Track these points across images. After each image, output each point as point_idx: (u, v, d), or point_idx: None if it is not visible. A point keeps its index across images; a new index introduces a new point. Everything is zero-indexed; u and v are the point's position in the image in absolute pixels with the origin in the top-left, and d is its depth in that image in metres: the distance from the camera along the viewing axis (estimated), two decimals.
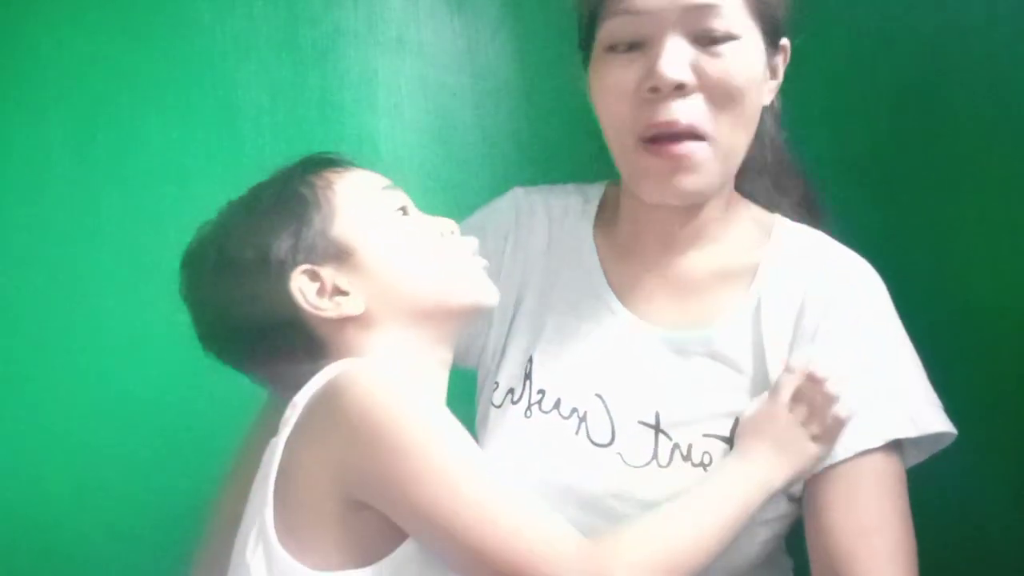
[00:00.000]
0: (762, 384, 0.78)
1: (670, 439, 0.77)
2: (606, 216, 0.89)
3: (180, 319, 1.07)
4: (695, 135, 0.74)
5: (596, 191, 0.91)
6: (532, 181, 1.13)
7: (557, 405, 0.80)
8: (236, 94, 1.09)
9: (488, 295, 0.77)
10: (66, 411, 1.02)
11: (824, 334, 0.77)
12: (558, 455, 0.78)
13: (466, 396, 0.89)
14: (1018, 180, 0.83)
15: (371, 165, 0.78)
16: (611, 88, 0.76)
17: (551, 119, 1.15)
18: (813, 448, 0.73)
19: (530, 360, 0.84)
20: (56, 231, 1.02)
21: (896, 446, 0.75)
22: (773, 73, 0.80)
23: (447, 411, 0.66)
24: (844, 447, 0.74)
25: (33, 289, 1.01)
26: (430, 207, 1.18)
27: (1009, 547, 0.86)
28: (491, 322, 0.89)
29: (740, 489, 0.71)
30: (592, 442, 0.78)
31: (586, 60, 0.80)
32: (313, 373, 0.69)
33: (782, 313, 0.80)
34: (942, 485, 0.87)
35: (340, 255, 0.72)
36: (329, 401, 0.65)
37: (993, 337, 0.86)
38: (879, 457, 0.74)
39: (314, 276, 0.71)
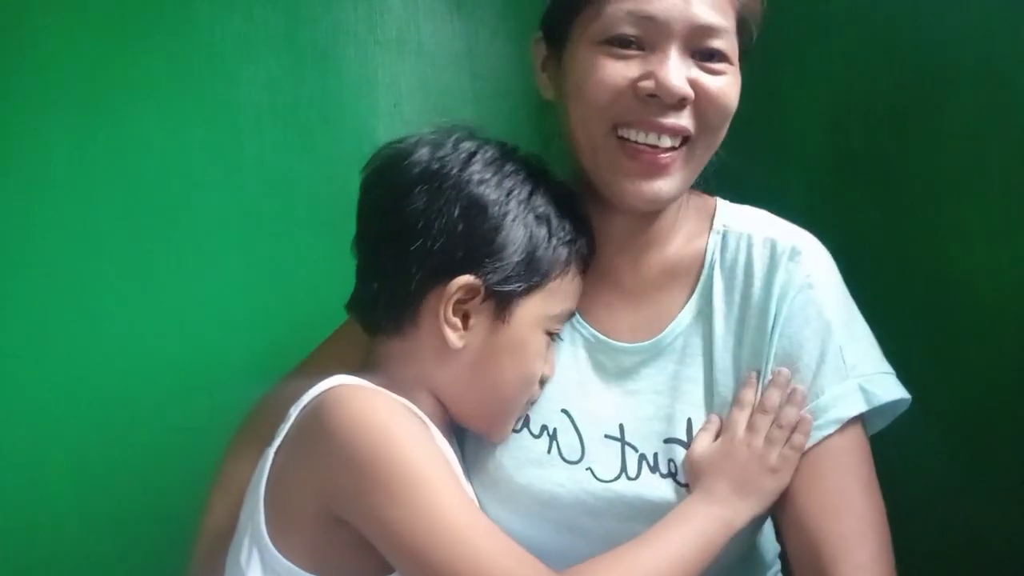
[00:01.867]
0: (711, 376, 0.78)
1: (636, 450, 0.77)
2: None
3: (180, 317, 1.08)
4: (682, 142, 0.75)
5: None
6: None
7: (527, 423, 0.80)
8: (236, 94, 1.09)
9: (502, 438, 0.78)
10: (66, 410, 1.02)
11: (773, 316, 0.78)
12: (533, 476, 0.78)
13: None
14: (1017, 179, 0.83)
15: None
16: (601, 82, 0.74)
17: (551, 119, 1.14)
18: (772, 483, 0.74)
19: None
20: (56, 231, 1.02)
21: (855, 419, 0.75)
22: None
23: (429, 439, 0.67)
24: None
25: (33, 288, 1.01)
26: None
27: (1007, 545, 0.86)
28: None
29: (703, 529, 0.71)
30: (564, 459, 0.78)
31: (554, 44, 0.80)
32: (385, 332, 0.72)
33: (730, 299, 0.80)
34: (940, 484, 0.87)
35: (499, 313, 0.71)
36: (318, 417, 0.65)
37: (993, 335, 0.86)
38: (838, 436, 0.75)
39: (471, 293, 0.70)
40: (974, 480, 0.89)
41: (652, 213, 0.81)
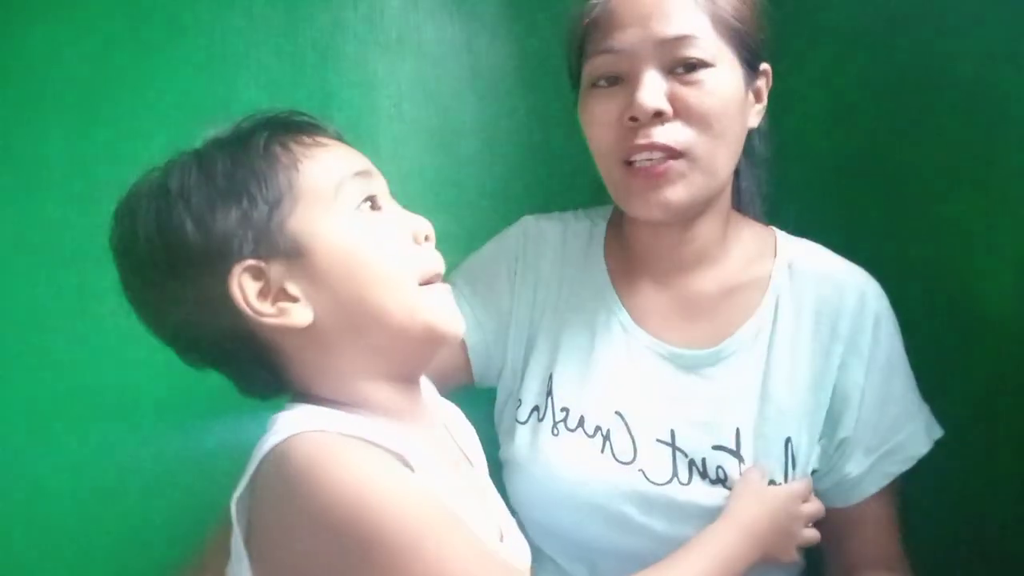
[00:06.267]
0: (766, 395, 0.80)
1: (686, 456, 0.79)
2: (614, 237, 0.91)
3: None
4: (672, 154, 0.77)
5: (603, 213, 0.94)
6: (532, 181, 1.13)
7: (581, 423, 0.82)
8: (236, 94, 1.09)
9: (455, 323, 0.67)
10: (66, 412, 1.02)
11: (839, 359, 0.82)
12: (586, 473, 0.81)
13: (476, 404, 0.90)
14: (1017, 179, 0.83)
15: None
16: (596, 120, 0.80)
17: (551, 119, 1.14)
18: (787, 543, 0.79)
19: (550, 378, 0.86)
20: (56, 231, 1.02)
21: None
22: (757, 97, 0.83)
23: (409, 477, 0.59)
24: (856, 494, 0.83)
25: (33, 289, 1.01)
26: (430, 207, 1.17)
27: (1009, 546, 0.86)
28: (508, 343, 0.91)
29: (730, 557, 0.73)
30: (617, 460, 0.81)
31: (577, 93, 0.85)
32: (280, 382, 0.65)
33: (795, 327, 0.82)
34: (942, 485, 0.87)
35: (292, 254, 0.62)
36: (285, 486, 0.57)
37: (993, 335, 0.86)
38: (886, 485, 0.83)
39: (259, 274, 0.61)
40: (975, 479, 0.89)
41: (689, 226, 0.84)
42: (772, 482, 0.79)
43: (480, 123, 1.16)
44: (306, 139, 0.65)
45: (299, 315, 0.62)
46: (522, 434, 0.85)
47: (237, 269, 0.61)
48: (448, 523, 0.58)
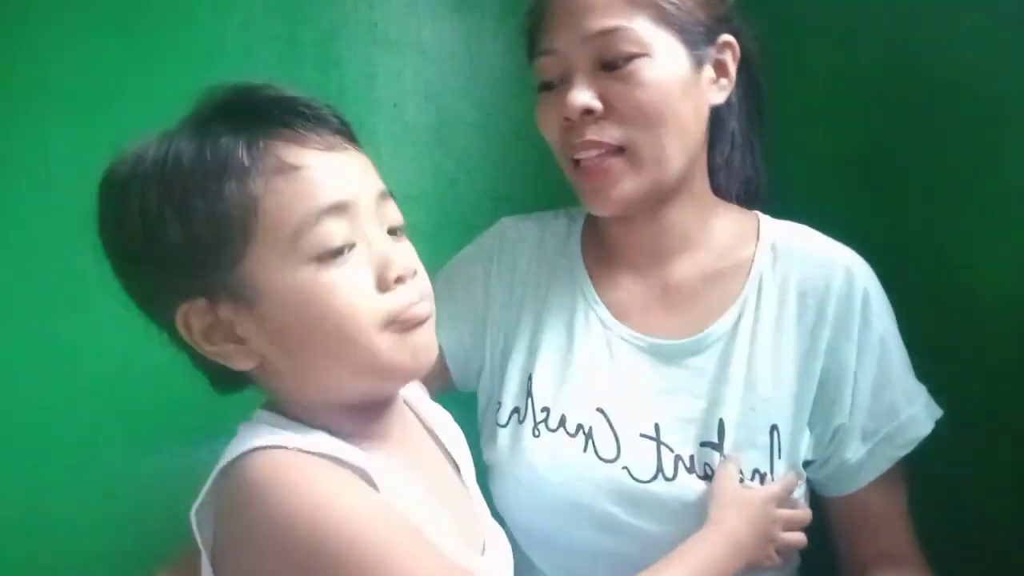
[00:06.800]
0: (750, 382, 0.79)
1: (671, 451, 0.78)
2: (592, 234, 0.91)
3: None
4: (612, 150, 0.78)
5: (582, 211, 0.93)
6: (532, 181, 1.13)
7: (563, 422, 0.81)
8: None
9: (421, 358, 0.62)
10: (66, 412, 1.02)
11: (825, 342, 0.80)
12: (569, 473, 0.80)
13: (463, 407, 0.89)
14: (1017, 179, 0.83)
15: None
16: (544, 122, 0.82)
17: None
18: (766, 547, 0.77)
19: (529, 378, 0.85)
20: (56, 232, 1.02)
21: None
22: (720, 71, 0.81)
23: (372, 494, 0.58)
24: (857, 480, 0.81)
25: (33, 290, 1.01)
26: (430, 207, 1.18)
27: (1009, 540, 0.86)
28: (485, 346, 0.91)
29: (721, 557, 0.73)
30: (600, 458, 0.79)
31: None
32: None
33: (780, 310, 0.81)
34: (942, 480, 0.87)
35: (241, 299, 0.58)
36: (242, 503, 0.56)
37: (992, 335, 0.86)
38: (888, 470, 0.81)
39: (206, 312, 0.59)
40: (974, 480, 0.89)
41: (660, 216, 0.83)
42: (756, 471, 0.78)
43: (480, 123, 1.16)
44: (273, 160, 0.59)
45: (242, 360, 0.60)
46: (503, 437, 0.84)
47: (184, 307, 0.59)
48: (412, 541, 0.57)
